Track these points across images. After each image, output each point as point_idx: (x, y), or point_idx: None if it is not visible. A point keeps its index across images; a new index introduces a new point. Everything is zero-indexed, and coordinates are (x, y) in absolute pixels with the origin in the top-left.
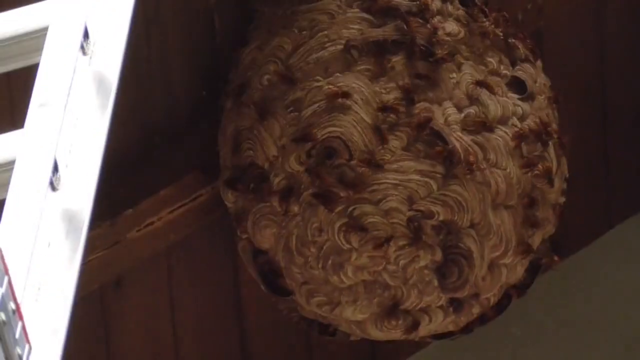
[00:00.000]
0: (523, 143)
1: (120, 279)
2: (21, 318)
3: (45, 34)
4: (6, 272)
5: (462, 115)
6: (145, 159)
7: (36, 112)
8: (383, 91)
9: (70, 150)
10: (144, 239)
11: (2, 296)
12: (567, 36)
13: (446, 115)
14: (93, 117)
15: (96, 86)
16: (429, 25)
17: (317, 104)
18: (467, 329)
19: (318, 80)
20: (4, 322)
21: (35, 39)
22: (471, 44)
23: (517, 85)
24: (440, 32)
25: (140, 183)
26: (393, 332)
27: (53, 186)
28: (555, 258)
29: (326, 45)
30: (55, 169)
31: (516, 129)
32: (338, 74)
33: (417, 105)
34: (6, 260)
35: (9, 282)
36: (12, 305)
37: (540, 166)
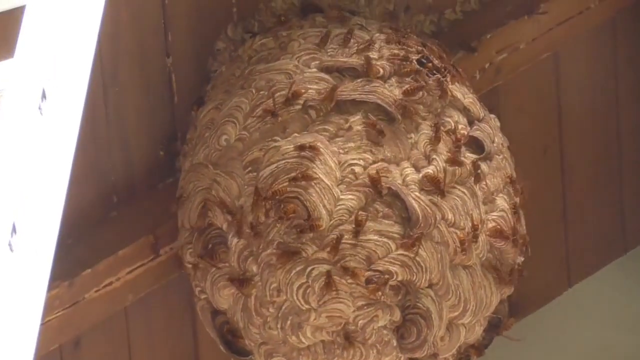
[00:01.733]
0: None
1: (79, 339)
2: None
3: (1, 95)
4: None
5: (420, 175)
6: (104, 219)
7: None
8: (341, 151)
9: (28, 211)
10: (102, 299)
11: None
12: (524, 94)
13: (404, 175)
14: (50, 177)
15: (54, 147)
16: (386, 86)
17: (274, 164)
18: None
19: (276, 140)
20: None
21: None
22: (429, 103)
23: (476, 145)
24: (397, 93)
25: (98, 243)
26: None
27: (10, 247)
28: (512, 318)
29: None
30: (14, 230)
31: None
32: (296, 134)
33: (375, 165)
34: None
35: None
36: None
37: (498, 227)
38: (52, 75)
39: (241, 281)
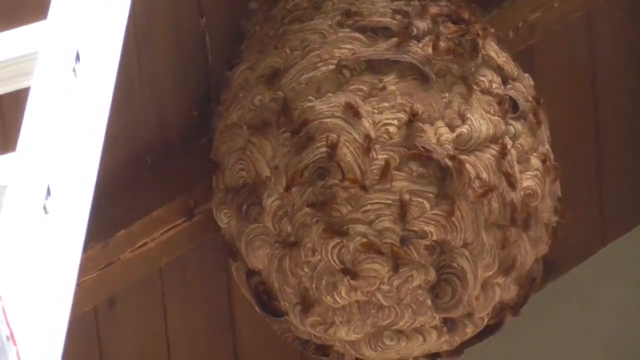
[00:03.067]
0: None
1: (113, 300)
2: (15, 344)
3: (36, 57)
4: None
5: (454, 134)
6: (138, 179)
7: (28, 136)
8: (375, 111)
9: (63, 173)
10: (137, 259)
11: None
12: (559, 53)
13: (438, 134)
14: (85, 139)
15: (88, 109)
16: (420, 45)
17: (309, 124)
18: (460, 348)
19: (310, 100)
20: None
21: (26, 62)
22: (462, 62)
23: (509, 104)
24: (431, 52)
25: (132, 204)
26: (387, 352)
27: (45, 210)
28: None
29: (318, 65)
30: (48, 192)
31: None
32: (330, 94)
33: (410, 125)
34: None
35: (2, 308)
36: (5, 332)
37: (532, 185)
38: (86, 37)
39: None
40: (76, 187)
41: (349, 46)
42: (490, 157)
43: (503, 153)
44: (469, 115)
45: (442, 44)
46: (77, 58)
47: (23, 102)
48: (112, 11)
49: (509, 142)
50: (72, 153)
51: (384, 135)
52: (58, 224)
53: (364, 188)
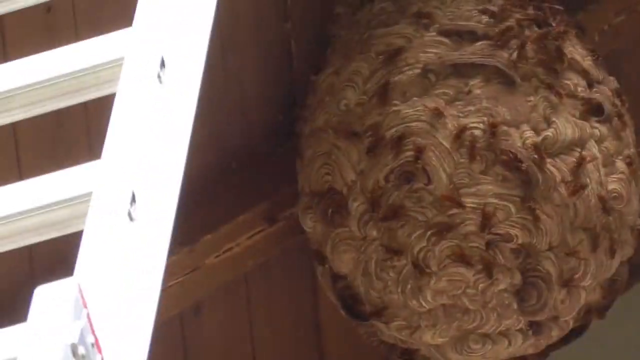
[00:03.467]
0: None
1: (199, 305)
2: (100, 351)
3: (122, 64)
4: (85, 305)
5: (540, 138)
6: (223, 184)
7: (113, 143)
8: (461, 115)
9: (148, 180)
10: (222, 264)
11: (82, 330)
12: None
13: (524, 138)
14: (170, 146)
15: (174, 115)
16: (506, 49)
17: (394, 128)
18: (546, 351)
19: (396, 105)
20: (83, 356)
21: (111, 68)
22: (547, 66)
23: (595, 108)
24: (516, 56)
25: (218, 208)
26: (473, 355)
27: (131, 217)
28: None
29: (404, 69)
30: (133, 199)
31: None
32: (416, 98)
33: (494, 128)
34: (84, 294)
35: (88, 316)
36: (91, 339)
37: (618, 188)
38: (171, 43)
39: None
40: (161, 193)
41: (434, 50)
42: (575, 160)
43: (588, 158)
44: (554, 119)
45: (527, 48)
46: (163, 64)
47: (107, 109)
48: (197, 17)
49: (594, 146)
50: (157, 160)
51: (470, 139)
52: (143, 230)
53: (459, 205)
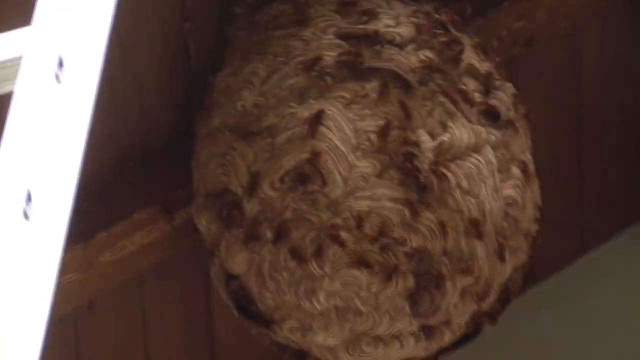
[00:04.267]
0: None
1: (93, 302)
2: None
3: (19, 63)
4: None
5: (436, 143)
6: (119, 182)
7: (9, 142)
8: (357, 118)
9: (44, 178)
10: (117, 262)
11: None
12: (543, 63)
13: (420, 142)
14: (67, 145)
15: (71, 114)
16: (403, 53)
17: (291, 131)
18: (437, 355)
19: (292, 107)
20: None
21: (9, 67)
22: (445, 71)
23: (491, 114)
24: (414, 60)
25: (113, 206)
26: (364, 358)
27: (26, 215)
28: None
29: (300, 72)
30: (29, 198)
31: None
32: (312, 100)
33: (391, 133)
34: None
35: None
36: None
37: (513, 194)
38: (70, 42)
39: None
40: (57, 192)
41: (332, 53)
42: (471, 165)
43: (486, 160)
44: (450, 124)
45: (425, 52)
46: (60, 64)
47: (4, 107)
48: (96, 17)
49: (490, 152)
50: (53, 159)
51: (366, 143)
52: (38, 229)
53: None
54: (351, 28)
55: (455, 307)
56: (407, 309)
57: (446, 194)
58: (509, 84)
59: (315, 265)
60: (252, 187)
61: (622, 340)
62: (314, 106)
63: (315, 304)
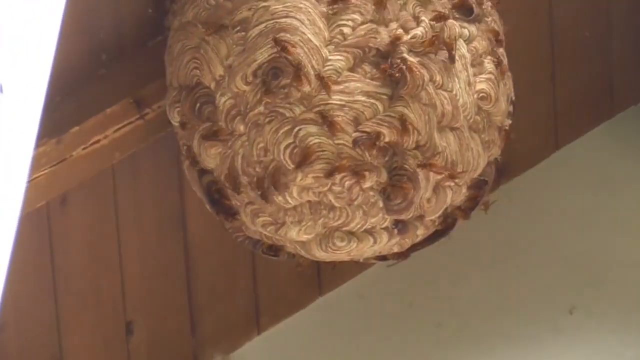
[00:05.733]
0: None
1: (66, 196)
2: None
3: None
4: None
5: (409, 36)
6: (92, 76)
7: None
8: (330, 12)
9: (15, 71)
10: (90, 156)
11: None
12: None
13: (392, 36)
14: (38, 34)
15: (43, 1)
16: None
17: (264, 24)
18: (410, 250)
19: (265, 0)
20: None
21: None
22: None
23: (464, 8)
24: None
25: (86, 100)
26: (338, 253)
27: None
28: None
29: None
30: (0, 89)
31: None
32: None
33: (363, 26)
34: None
35: None
36: None
37: (486, 88)
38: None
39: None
40: (29, 83)
41: None
42: (444, 60)
43: (459, 55)
44: (423, 18)
45: None
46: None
47: None
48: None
49: (463, 45)
50: (24, 49)
51: (338, 36)
52: (10, 120)
53: (327, 87)
54: None
55: (428, 202)
56: (381, 204)
57: (419, 88)
58: None
59: (287, 160)
60: (225, 80)
61: (593, 236)
62: (287, 1)
63: (288, 198)
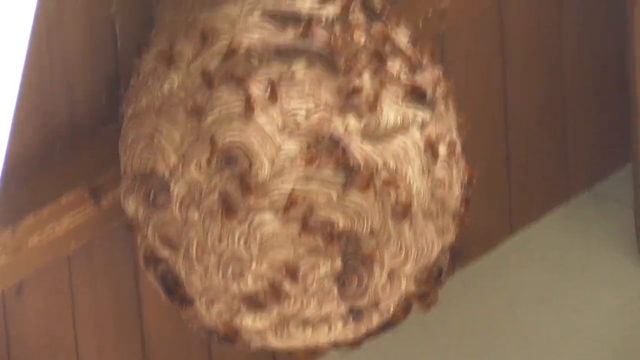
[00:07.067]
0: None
1: (21, 286)
2: None
3: None
4: None
5: (362, 124)
6: (47, 164)
7: None
8: (283, 99)
9: None
10: (45, 245)
11: None
12: (468, 42)
13: (346, 123)
14: None
15: None
16: (329, 33)
17: (217, 112)
18: (366, 338)
19: (219, 89)
20: None
21: None
22: (371, 51)
23: (417, 93)
24: (340, 40)
25: (41, 188)
26: (293, 340)
27: None
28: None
29: (226, 52)
30: None
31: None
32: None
33: (317, 114)
34: None
35: None
36: None
37: (439, 175)
38: None
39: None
40: None
41: (258, 34)
42: (398, 146)
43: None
44: (377, 104)
45: (351, 32)
46: None
47: None
48: None
49: (417, 131)
50: None
51: (292, 124)
52: None
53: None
54: (277, 8)
55: (383, 288)
56: (335, 291)
57: (373, 175)
58: (435, 64)
59: (243, 248)
60: (179, 169)
61: (550, 320)
62: (239, 87)
63: (243, 286)
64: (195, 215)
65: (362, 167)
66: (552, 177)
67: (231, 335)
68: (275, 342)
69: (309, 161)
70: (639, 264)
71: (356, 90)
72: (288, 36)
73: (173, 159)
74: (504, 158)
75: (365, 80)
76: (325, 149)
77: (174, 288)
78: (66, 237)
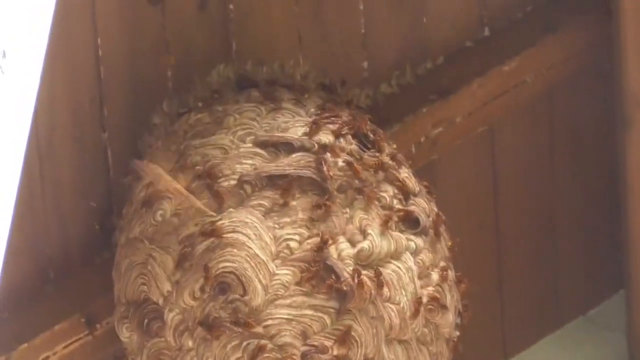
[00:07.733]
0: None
1: None
2: None
3: None
4: None
5: (355, 250)
6: (40, 293)
7: None
8: (276, 226)
9: None
10: None
11: None
12: (460, 169)
13: (339, 250)
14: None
15: (14, 105)
16: (322, 161)
17: (211, 239)
18: None
19: (212, 216)
20: None
21: None
22: (364, 178)
23: (410, 220)
24: (332, 168)
25: (34, 317)
26: None
27: None
28: None
29: (219, 181)
30: None
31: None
32: (231, 209)
33: (310, 240)
34: None
35: None
36: None
37: (433, 301)
38: (12, 37)
39: None
40: None
41: (250, 162)
42: (391, 272)
43: (406, 267)
44: (370, 231)
45: (343, 160)
46: (4, 55)
47: None
48: (37, 14)
49: (410, 258)
50: None
51: (285, 251)
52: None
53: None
54: (269, 136)
55: None
56: None
57: (366, 302)
58: (428, 190)
59: None
60: (173, 296)
61: None
62: (233, 215)
63: None
64: (189, 343)
65: (356, 293)
66: (544, 302)
67: None
68: None
69: (303, 287)
70: None
71: (349, 217)
72: (280, 164)
73: (167, 286)
74: (497, 286)
75: (358, 207)
76: (318, 275)
77: None
78: None
